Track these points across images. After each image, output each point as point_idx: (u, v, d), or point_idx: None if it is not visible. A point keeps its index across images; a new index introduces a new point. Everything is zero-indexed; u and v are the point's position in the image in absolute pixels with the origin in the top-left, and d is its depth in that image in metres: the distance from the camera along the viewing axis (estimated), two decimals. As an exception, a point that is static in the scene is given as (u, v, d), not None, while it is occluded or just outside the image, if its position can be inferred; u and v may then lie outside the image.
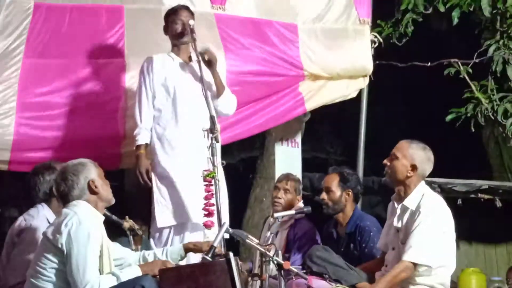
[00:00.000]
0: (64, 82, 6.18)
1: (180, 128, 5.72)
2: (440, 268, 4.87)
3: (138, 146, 5.76)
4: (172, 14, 5.84)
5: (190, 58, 5.87)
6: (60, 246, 4.21)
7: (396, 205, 5.07)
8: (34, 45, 6.10)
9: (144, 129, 5.76)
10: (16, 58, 6.05)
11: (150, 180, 5.71)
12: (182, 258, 4.77)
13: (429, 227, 4.80)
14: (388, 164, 5.08)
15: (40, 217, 5.09)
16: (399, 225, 4.99)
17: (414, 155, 4.99)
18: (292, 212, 5.61)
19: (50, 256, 4.26)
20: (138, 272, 4.40)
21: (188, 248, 4.79)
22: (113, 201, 4.60)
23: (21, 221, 5.15)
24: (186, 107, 5.74)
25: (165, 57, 5.86)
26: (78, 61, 6.23)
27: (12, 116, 5.98)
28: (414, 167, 4.98)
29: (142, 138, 5.75)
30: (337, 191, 5.83)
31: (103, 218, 4.52)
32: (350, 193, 5.83)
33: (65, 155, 5.55)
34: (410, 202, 4.96)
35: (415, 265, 4.79)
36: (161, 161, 5.72)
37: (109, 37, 6.35)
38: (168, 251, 4.77)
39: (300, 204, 6.11)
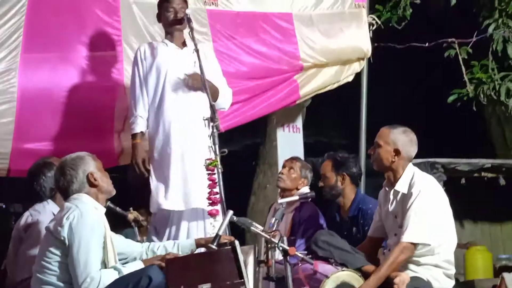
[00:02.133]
0: (62, 76, 6.14)
1: (173, 115, 5.60)
2: (442, 245, 4.90)
3: (134, 135, 5.65)
4: (165, 2, 5.79)
5: (184, 44, 5.80)
6: (62, 239, 4.20)
7: (388, 191, 5.09)
8: (31, 39, 6.04)
9: (139, 117, 5.64)
10: (13, 45, 6.00)
11: (148, 170, 5.61)
12: (192, 253, 4.71)
13: (422, 206, 4.82)
14: (373, 153, 5.11)
15: (46, 212, 5.08)
16: (395, 210, 5.01)
17: (396, 140, 5.02)
18: (296, 197, 5.63)
19: (53, 250, 4.25)
20: (141, 267, 4.38)
21: (200, 244, 4.74)
22: (113, 192, 4.58)
23: (27, 217, 5.14)
24: (178, 93, 5.63)
25: (158, 44, 5.81)
26: (75, 54, 6.19)
27: (13, 104, 5.95)
28: (397, 152, 5.01)
29: (137, 126, 5.64)
30: (331, 177, 5.85)
31: (104, 210, 4.50)
32: (344, 176, 5.85)
33: (63, 148, 5.55)
34: (401, 186, 4.99)
35: (414, 245, 4.81)
36: (156, 150, 5.61)
37: (106, 29, 6.30)
38: (179, 245, 4.73)
39: (306, 188, 6.12)
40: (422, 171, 5.14)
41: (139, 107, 5.67)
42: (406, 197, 4.92)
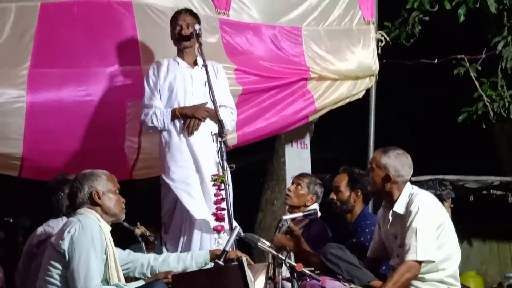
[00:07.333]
0: (74, 92, 6.11)
1: (185, 132, 5.62)
2: (446, 261, 4.89)
3: (173, 111, 5.59)
4: (172, 19, 5.84)
5: (195, 62, 5.82)
6: (62, 251, 4.16)
7: (386, 211, 5.08)
8: (42, 55, 6.01)
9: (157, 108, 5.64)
10: (24, 66, 5.97)
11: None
12: (206, 264, 4.67)
13: (421, 224, 4.80)
14: (368, 175, 5.13)
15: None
16: (395, 231, 5.00)
17: (387, 165, 5.01)
18: (300, 214, 5.59)
19: (54, 263, 4.21)
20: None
21: (215, 255, 4.65)
22: (121, 217, 4.49)
23: (41, 232, 5.10)
24: None
25: (170, 61, 5.82)
26: (88, 70, 6.14)
27: (22, 120, 5.93)
28: (387, 177, 5.00)
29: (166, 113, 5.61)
30: (345, 191, 5.79)
31: (109, 227, 4.39)
32: (359, 193, 5.77)
33: (75, 164, 5.54)
34: (399, 207, 4.97)
35: (419, 263, 4.79)
36: (170, 166, 5.61)
37: (121, 44, 6.26)
38: (194, 255, 4.67)
39: (314, 205, 6.09)
40: (423, 188, 5.13)
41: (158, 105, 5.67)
42: (405, 217, 4.91)
